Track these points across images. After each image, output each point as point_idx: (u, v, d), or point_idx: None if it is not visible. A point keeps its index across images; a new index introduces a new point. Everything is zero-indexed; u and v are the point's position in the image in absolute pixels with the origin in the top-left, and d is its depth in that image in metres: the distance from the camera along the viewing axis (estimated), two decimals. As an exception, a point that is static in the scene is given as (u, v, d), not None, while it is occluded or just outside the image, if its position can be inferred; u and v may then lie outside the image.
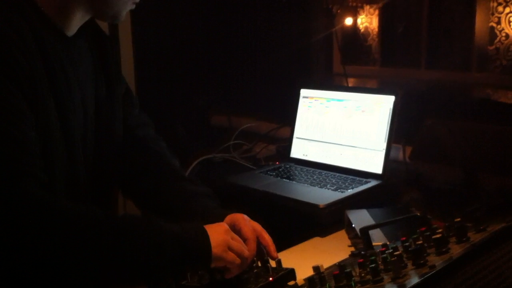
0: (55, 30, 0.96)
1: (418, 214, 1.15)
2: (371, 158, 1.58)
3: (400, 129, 1.57)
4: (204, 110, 2.08)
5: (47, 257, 0.82)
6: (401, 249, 0.95)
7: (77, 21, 0.99)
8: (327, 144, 1.70)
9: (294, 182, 1.58)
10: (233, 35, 2.14)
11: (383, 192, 1.51)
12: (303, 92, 1.79)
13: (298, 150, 1.77)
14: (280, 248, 1.31)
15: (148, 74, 2.05)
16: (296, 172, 1.67)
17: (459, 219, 0.96)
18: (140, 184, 1.19)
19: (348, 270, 0.90)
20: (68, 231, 0.84)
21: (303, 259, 1.17)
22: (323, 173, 1.63)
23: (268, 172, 1.67)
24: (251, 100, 2.11)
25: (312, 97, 1.77)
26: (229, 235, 0.99)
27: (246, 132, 1.96)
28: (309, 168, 1.69)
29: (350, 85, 2.15)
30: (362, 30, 2.29)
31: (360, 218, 1.33)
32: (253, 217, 1.49)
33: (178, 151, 1.89)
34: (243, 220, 1.11)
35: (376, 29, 2.23)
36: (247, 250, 1.01)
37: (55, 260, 0.83)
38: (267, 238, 1.08)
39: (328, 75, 2.28)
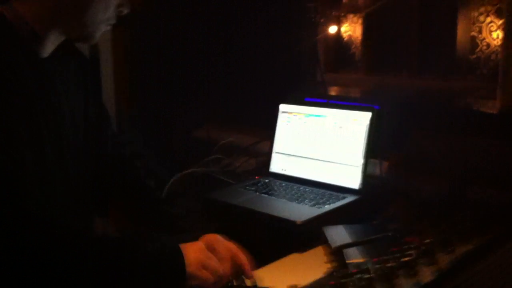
0: (30, 51, 0.97)
1: (390, 234, 1.17)
2: (349, 173, 1.60)
3: (384, 141, 1.59)
4: (184, 123, 2.08)
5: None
6: (372, 271, 0.97)
7: (51, 43, 1.00)
8: (305, 159, 1.71)
9: (272, 197, 1.59)
10: (212, 47, 2.15)
11: (360, 207, 1.53)
12: (282, 107, 1.81)
13: (277, 165, 1.79)
14: (258, 265, 1.32)
15: (134, 85, 2.06)
16: (274, 187, 1.68)
17: (428, 240, 0.98)
18: (117, 206, 1.21)
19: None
20: (50, 253, 0.85)
21: (280, 277, 1.18)
22: (301, 188, 1.64)
23: (247, 187, 1.68)
24: (231, 113, 2.12)
25: (290, 112, 1.78)
26: (204, 254, 1.00)
27: (226, 146, 1.97)
28: (288, 183, 1.70)
29: (334, 93, 2.19)
30: (345, 39, 2.32)
31: (337, 234, 1.35)
32: (231, 233, 1.50)
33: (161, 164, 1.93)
34: (217, 240, 1.13)
35: (360, 37, 2.26)
36: (222, 269, 1.02)
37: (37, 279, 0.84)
38: (242, 257, 1.09)
39: (311, 84, 2.31)
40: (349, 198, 1.54)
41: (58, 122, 1.01)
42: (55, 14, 0.95)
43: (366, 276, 0.92)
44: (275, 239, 1.43)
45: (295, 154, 1.74)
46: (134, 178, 1.23)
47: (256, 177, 1.79)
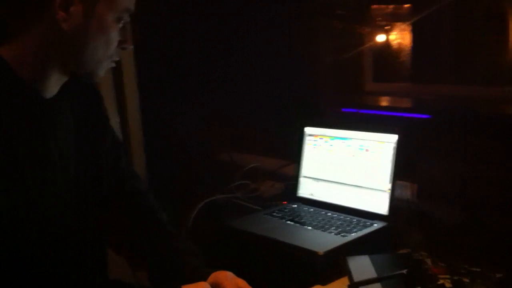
0: (32, 93, 0.95)
1: (405, 272, 1.09)
2: (376, 198, 1.53)
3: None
4: (207, 149, 2.05)
5: None
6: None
7: (54, 83, 0.98)
8: (332, 183, 1.65)
9: (297, 225, 1.54)
10: (235, 68, 2.12)
11: (388, 235, 1.46)
12: (308, 130, 1.76)
13: (305, 189, 1.73)
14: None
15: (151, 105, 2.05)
16: (302, 213, 1.63)
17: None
18: (127, 242, 1.19)
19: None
20: None
21: None
22: (328, 214, 1.58)
23: (274, 214, 1.64)
24: (255, 137, 2.08)
25: (316, 135, 1.73)
26: None
27: (251, 170, 1.93)
28: (315, 209, 1.65)
29: (383, 103, 2.13)
30: (394, 47, 2.26)
31: (360, 266, 1.28)
32: (251, 263, 1.46)
33: (180, 192, 1.90)
34: (226, 278, 1.08)
35: (409, 46, 2.20)
36: None
37: None
38: None
39: (358, 94, 2.27)
40: (377, 225, 1.47)
41: (57, 164, 0.99)
42: (50, 55, 0.94)
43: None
44: (297, 270, 1.37)
45: (322, 178, 1.69)
46: (148, 213, 1.21)
47: (284, 202, 1.75)
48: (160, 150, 2.04)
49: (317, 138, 1.73)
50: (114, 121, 1.97)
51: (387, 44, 2.25)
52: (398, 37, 2.24)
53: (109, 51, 0.97)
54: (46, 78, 0.96)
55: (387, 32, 2.24)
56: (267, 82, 2.07)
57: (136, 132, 2.02)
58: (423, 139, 1.60)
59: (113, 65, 1.01)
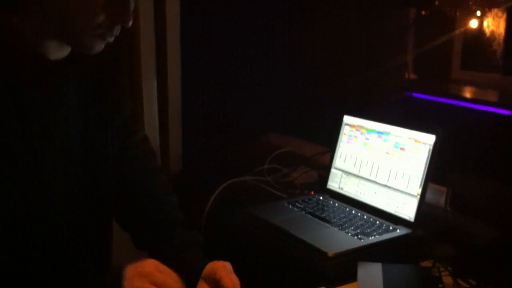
0: (36, 55, 0.93)
1: None
2: (404, 202, 1.41)
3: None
4: (244, 127, 1.99)
5: None
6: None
7: (56, 48, 0.95)
8: (362, 179, 1.55)
9: (316, 219, 1.45)
10: (283, 48, 2.03)
11: (410, 243, 1.34)
12: (346, 119, 1.65)
13: (335, 182, 1.64)
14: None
15: (195, 85, 2.00)
16: (325, 207, 1.54)
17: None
18: (131, 224, 1.17)
19: None
20: None
21: None
22: (352, 212, 1.49)
23: (296, 204, 1.56)
24: (296, 119, 1.98)
25: (353, 126, 1.62)
26: (146, 279, 0.90)
27: (285, 155, 1.85)
28: (340, 204, 1.55)
29: (468, 94, 2.03)
30: (487, 35, 2.09)
31: (369, 274, 1.19)
32: (261, 251, 1.40)
33: (212, 169, 1.86)
34: (224, 269, 1.03)
35: (503, 34, 2.04)
36: None
37: None
38: None
39: (444, 82, 2.16)
40: (400, 231, 1.36)
41: (58, 143, 0.97)
42: (44, 21, 0.90)
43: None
44: (304, 268, 1.30)
45: (353, 173, 1.58)
46: (152, 196, 1.17)
47: (312, 192, 1.66)
48: (197, 125, 2.00)
49: (354, 129, 1.62)
50: (152, 87, 1.95)
51: (479, 30, 2.08)
52: (492, 23, 2.06)
53: (94, 21, 0.89)
54: (47, 44, 0.93)
55: (480, 18, 2.06)
56: (318, 63, 1.97)
57: (175, 102, 1.98)
58: (465, 143, 1.46)
59: (110, 40, 0.95)
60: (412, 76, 2.15)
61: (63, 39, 0.93)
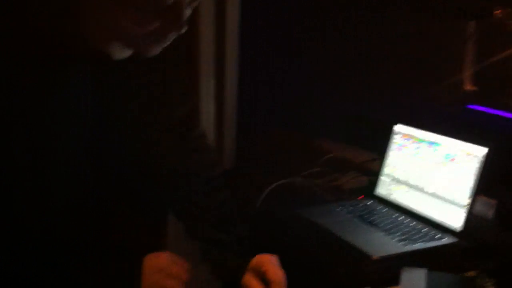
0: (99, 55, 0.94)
1: None
2: (452, 211, 1.43)
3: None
4: (297, 130, 2.03)
5: None
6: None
7: (120, 49, 0.93)
8: (411, 187, 1.57)
9: (363, 224, 1.49)
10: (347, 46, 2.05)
11: (456, 253, 1.35)
12: (397, 128, 1.67)
13: (383, 188, 1.66)
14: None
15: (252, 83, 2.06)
16: (372, 212, 1.57)
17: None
18: (185, 215, 1.20)
19: None
20: None
21: None
22: (399, 218, 1.51)
23: (344, 207, 1.59)
24: (347, 125, 2.01)
25: (405, 134, 1.64)
26: (163, 273, 0.95)
27: (335, 159, 1.88)
28: (389, 210, 1.58)
29: None
30: None
31: (413, 280, 1.21)
32: (306, 251, 1.44)
33: (263, 168, 1.91)
34: (270, 262, 1.07)
35: None
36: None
37: None
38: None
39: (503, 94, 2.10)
40: (446, 240, 1.38)
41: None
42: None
43: None
44: (349, 269, 1.33)
45: (402, 180, 1.61)
46: (206, 188, 1.22)
47: (360, 197, 1.69)
48: (252, 124, 2.05)
49: (405, 138, 1.64)
50: (210, 86, 2.01)
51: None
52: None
53: (148, 28, 0.88)
54: (111, 47, 0.93)
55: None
56: (373, 71, 1.99)
57: (231, 101, 2.04)
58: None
59: (165, 45, 0.93)
60: (470, 88, 2.14)
61: (123, 43, 0.94)
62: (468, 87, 2.12)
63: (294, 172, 1.84)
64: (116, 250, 0.98)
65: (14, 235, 0.90)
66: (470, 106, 2.14)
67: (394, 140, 1.67)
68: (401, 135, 1.65)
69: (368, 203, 1.64)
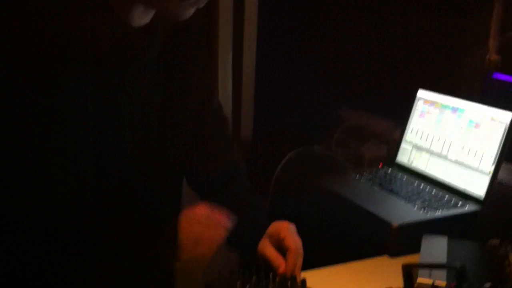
0: (116, 19, 0.91)
1: (458, 265, 0.97)
2: (475, 179, 1.39)
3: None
4: (316, 98, 1.99)
5: None
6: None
7: (140, 15, 0.93)
8: (433, 154, 1.53)
9: (383, 191, 1.45)
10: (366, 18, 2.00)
11: (478, 220, 1.32)
12: (420, 93, 1.62)
13: (404, 156, 1.62)
14: (341, 260, 1.23)
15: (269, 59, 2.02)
16: (392, 180, 1.53)
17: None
18: (201, 186, 1.19)
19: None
20: None
21: (342, 280, 1.09)
22: (421, 186, 1.48)
23: (363, 175, 1.56)
24: (368, 93, 1.96)
25: (427, 100, 1.60)
26: (201, 225, 0.93)
27: (356, 127, 1.84)
28: (409, 177, 1.54)
29: None
30: None
31: (434, 247, 1.18)
32: (325, 221, 1.42)
33: (281, 136, 1.88)
34: (288, 229, 1.06)
35: None
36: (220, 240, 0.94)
37: None
38: (291, 256, 1.01)
39: None
40: (468, 208, 1.34)
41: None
42: None
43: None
44: (368, 237, 1.31)
45: (423, 147, 1.56)
46: (222, 160, 1.19)
47: (380, 166, 1.66)
48: (270, 95, 2.02)
49: (428, 104, 1.60)
50: (227, 56, 1.99)
51: None
52: None
53: None
54: (131, 9, 0.92)
55: None
56: (393, 36, 1.93)
57: (249, 72, 2.02)
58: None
59: (201, 5, 0.91)
60: (495, 57, 2.07)
61: (152, 5, 0.92)
62: (493, 56, 2.06)
63: (312, 141, 1.81)
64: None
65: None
66: (495, 75, 2.08)
67: (416, 107, 1.62)
68: (423, 101, 1.61)
69: (388, 171, 1.60)
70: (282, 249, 1.04)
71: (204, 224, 0.93)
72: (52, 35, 0.84)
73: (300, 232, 1.07)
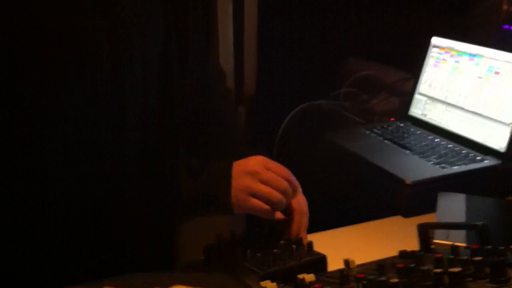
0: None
1: (479, 224, 0.88)
2: (495, 131, 1.29)
3: None
4: (322, 49, 1.88)
5: None
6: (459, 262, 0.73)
7: None
8: (449, 106, 1.43)
9: (396, 146, 1.37)
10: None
11: (499, 175, 1.23)
12: (435, 40, 1.51)
13: (417, 108, 1.53)
14: (350, 222, 1.16)
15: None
16: (405, 134, 1.45)
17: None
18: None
19: (371, 277, 0.73)
20: None
21: (349, 243, 1.03)
22: (436, 140, 1.38)
23: (374, 130, 1.48)
24: (377, 42, 1.85)
25: (443, 48, 1.49)
26: (255, 178, 0.90)
27: (365, 79, 1.74)
28: (423, 131, 1.45)
29: None
30: None
31: (451, 205, 1.10)
32: (334, 177, 1.34)
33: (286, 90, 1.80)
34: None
35: None
36: (277, 195, 0.90)
37: None
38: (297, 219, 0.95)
39: None
40: (488, 162, 1.25)
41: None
42: None
43: (454, 269, 0.69)
44: (380, 195, 1.23)
45: (438, 98, 1.46)
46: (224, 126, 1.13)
47: (392, 119, 1.57)
48: (273, 47, 1.92)
49: (443, 52, 1.49)
50: (228, 10, 1.89)
51: None
52: None
53: None
54: None
55: None
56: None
57: (251, 24, 1.91)
58: None
59: None
60: (506, 8, 1.96)
61: None
62: (505, 7, 1.95)
63: (320, 94, 1.72)
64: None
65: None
66: (505, 26, 1.98)
67: (430, 55, 1.52)
68: (439, 49, 1.50)
69: (401, 124, 1.51)
70: (286, 210, 0.97)
71: (256, 178, 0.90)
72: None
73: (305, 191, 1.00)
